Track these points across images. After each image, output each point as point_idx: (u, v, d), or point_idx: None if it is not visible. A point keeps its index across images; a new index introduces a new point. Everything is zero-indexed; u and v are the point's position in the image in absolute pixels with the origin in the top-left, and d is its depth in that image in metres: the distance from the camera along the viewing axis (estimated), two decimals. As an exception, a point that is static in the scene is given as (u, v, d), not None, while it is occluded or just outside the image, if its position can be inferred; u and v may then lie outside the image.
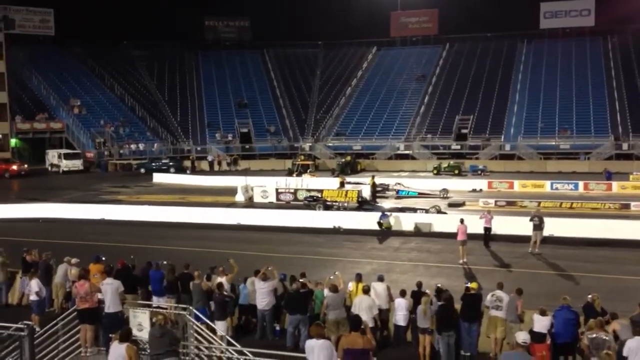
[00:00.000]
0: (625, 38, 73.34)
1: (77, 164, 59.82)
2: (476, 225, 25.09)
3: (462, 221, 23.60)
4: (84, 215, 34.28)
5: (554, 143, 60.25)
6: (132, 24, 76.91)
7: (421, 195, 39.29)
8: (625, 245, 24.71)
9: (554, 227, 25.93)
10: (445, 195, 39.19)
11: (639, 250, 24.16)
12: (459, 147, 62.51)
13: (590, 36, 75.33)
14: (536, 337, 12.67)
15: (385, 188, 40.62)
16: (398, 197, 39.15)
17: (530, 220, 24.58)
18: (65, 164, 59.40)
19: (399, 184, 41.28)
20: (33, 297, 15.96)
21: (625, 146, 57.30)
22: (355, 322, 11.00)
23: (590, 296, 14.04)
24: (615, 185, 41.73)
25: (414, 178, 46.30)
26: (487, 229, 25.59)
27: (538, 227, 24.27)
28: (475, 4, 76.87)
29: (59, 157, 60.22)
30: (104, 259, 17.49)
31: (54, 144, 65.75)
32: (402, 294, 14.88)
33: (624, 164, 52.51)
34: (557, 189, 42.35)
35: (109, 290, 13.56)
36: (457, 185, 42.61)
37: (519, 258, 23.52)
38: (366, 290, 14.33)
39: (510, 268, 22.27)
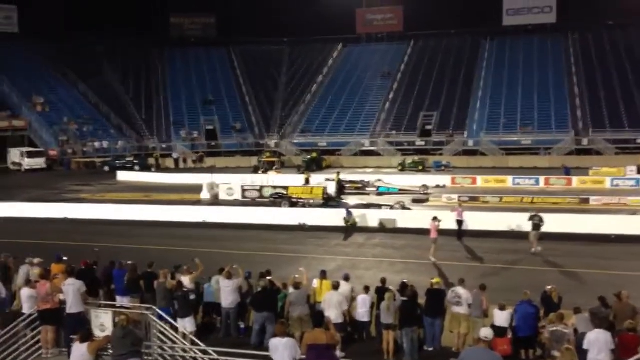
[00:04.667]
0: (586, 35, 74.62)
1: (39, 163, 58.93)
2: (445, 222, 25.00)
3: (435, 219, 23.34)
4: (46, 215, 33.66)
5: (515, 139, 61.08)
6: (96, 21, 75.54)
7: (402, 191, 39.06)
8: (586, 240, 25.25)
9: (516, 222, 26.46)
10: (425, 192, 39.31)
11: (598, 244, 24.71)
12: (423, 143, 62.95)
13: (552, 33, 76.35)
14: (497, 331, 12.91)
15: (365, 185, 40.64)
16: (379, 194, 38.96)
17: (530, 219, 24.09)
18: (28, 163, 58.43)
19: (379, 180, 41.17)
20: (-8, 299, 15.68)
21: (585, 142, 58.43)
22: (318, 318, 11.07)
23: (548, 287, 14.41)
24: (576, 180, 42.56)
25: (379, 174, 46.39)
26: (460, 222, 25.90)
27: (537, 226, 23.80)
28: (440, 1, 77.41)
29: (22, 155, 59.17)
30: (65, 258, 17.28)
31: (17, 142, 64.44)
32: (366, 289, 15.01)
33: (584, 159, 53.40)
34: (519, 184, 42.99)
35: (71, 291, 13.35)
36: (421, 181, 42.85)
37: (485, 253, 23.84)
38: (335, 286, 14.41)
39: (476, 263, 22.60)
